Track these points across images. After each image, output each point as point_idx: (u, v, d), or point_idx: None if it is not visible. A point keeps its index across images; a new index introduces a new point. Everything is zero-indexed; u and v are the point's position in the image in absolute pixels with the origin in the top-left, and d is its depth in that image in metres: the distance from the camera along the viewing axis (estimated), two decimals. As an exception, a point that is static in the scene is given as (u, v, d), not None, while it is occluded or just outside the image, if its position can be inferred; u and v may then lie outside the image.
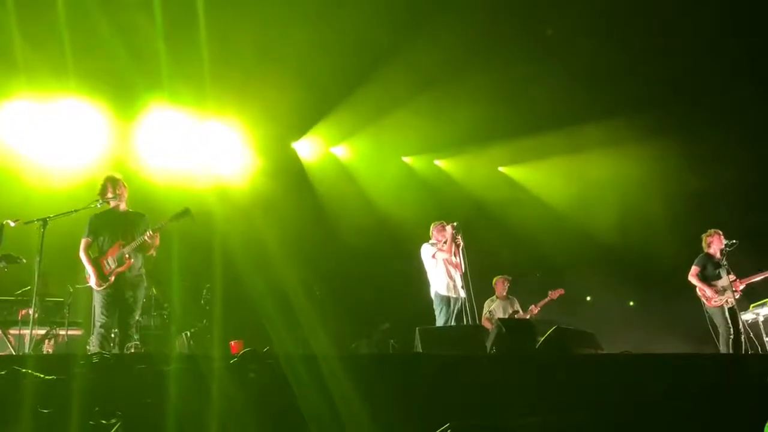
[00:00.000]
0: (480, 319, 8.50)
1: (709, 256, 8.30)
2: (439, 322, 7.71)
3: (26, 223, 6.11)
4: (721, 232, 8.29)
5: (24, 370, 3.61)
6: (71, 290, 7.62)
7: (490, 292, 9.55)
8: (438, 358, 5.51)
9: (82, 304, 7.53)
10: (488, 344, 6.30)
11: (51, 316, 7.76)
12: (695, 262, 8.32)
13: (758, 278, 8.24)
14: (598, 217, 11.54)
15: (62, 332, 7.66)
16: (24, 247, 6.69)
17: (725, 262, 8.09)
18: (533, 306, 9.51)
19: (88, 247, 6.25)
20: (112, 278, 6.09)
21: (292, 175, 11.43)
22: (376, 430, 4.14)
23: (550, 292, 9.57)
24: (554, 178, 12.37)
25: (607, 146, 11.32)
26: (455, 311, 7.71)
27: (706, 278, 8.18)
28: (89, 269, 6.15)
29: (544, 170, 12.59)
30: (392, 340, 9.54)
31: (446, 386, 4.85)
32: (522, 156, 12.42)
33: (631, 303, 12.07)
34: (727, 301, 7.97)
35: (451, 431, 3.58)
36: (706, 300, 8.14)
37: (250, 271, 9.04)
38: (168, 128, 10.24)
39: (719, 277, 8.10)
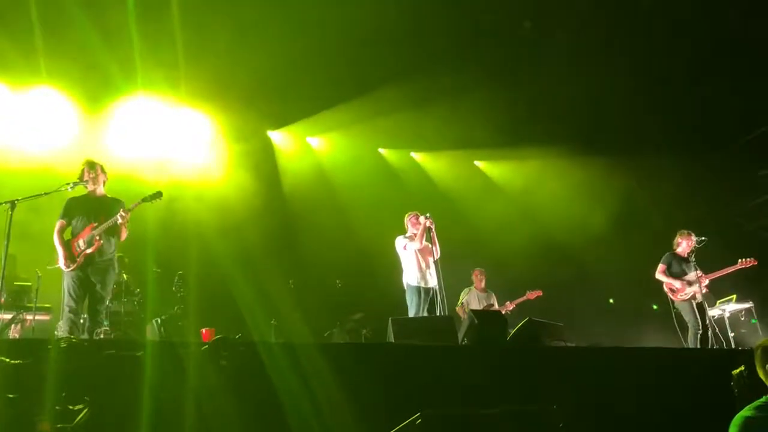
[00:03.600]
0: (449, 310, 8.55)
1: (675, 255, 8.46)
2: (411, 312, 7.73)
3: (-7, 205, 5.99)
4: (691, 233, 8.43)
5: (-10, 354, 3.56)
6: (39, 275, 7.49)
7: (459, 283, 9.62)
8: (410, 348, 5.55)
9: (50, 289, 7.42)
10: (460, 335, 6.35)
11: (18, 301, 7.62)
12: (662, 260, 8.46)
13: (723, 273, 8.40)
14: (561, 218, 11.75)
15: (29, 317, 7.53)
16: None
17: (693, 259, 8.26)
18: (509, 302, 9.60)
19: (62, 230, 6.24)
20: (81, 259, 6.05)
21: (267, 164, 11.38)
22: (347, 419, 4.15)
23: (527, 292, 9.67)
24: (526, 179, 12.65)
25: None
26: (427, 302, 7.74)
27: (672, 275, 8.32)
28: (59, 250, 6.13)
29: (518, 170, 12.83)
30: (365, 330, 9.55)
31: (418, 376, 4.89)
32: (499, 154, 12.67)
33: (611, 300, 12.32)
34: (694, 295, 8.13)
35: (422, 420, 3.60)
36: (673, 293, 8.27)
37: (222, 258, 9.00)
38: (141, 115, 10.15)
39: (685, 274, 8.27)
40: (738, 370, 4.47)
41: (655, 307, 11.13)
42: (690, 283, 8.18)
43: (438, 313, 7.42)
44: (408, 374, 4.89)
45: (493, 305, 9.43)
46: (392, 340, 6.06)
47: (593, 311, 11.20)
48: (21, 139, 9.31)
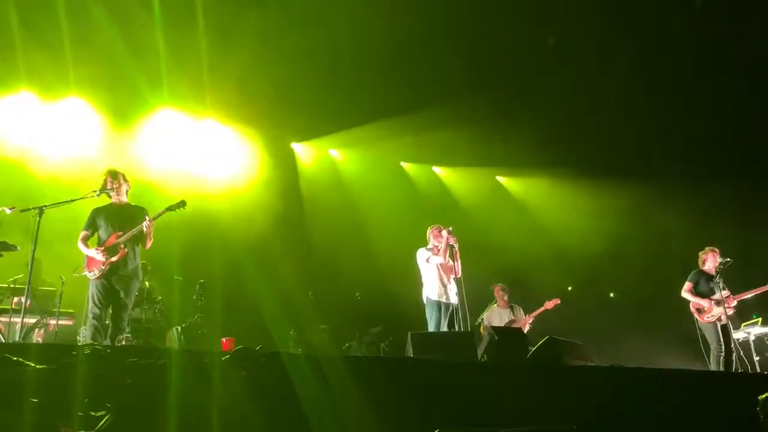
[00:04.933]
0: (470, 326, 8.47)
1: (703, 273, 8.26)
2: (430, 327, 7.69)
3: (22, 211, 6.11)
4: (717, 250, 8.26)
5: (15, 358, 3.60)
6: (63, 280, 7.59)
7: (481, 299, 9.55)
8: (429, 363, 5.51)
9: (74, 295, 7.52)
10: (479, 351, 6.30)
11: (42, 305, 7.73)
12: (689, 278, 8.28)
13: (750, 294, 8.24)
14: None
15: (53, 322, 7.63)
16: (19, 235, 6.70)
17: (719, 279, 8.03)
18: (527, 315, 9.50)
19: (86, 239, 6.39)
20: (105, 267, 6.14)
21: (289, 175, 11.46)
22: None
23: (546, 302, 9.54)
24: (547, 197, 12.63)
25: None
26: (446, 317, 7.70)
27: (699, 294, 8.14)
28: (85, 257, 6.22)
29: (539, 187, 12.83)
30: (383, 344, 9.52)
31: (436, 392, 4.85)
32: (520, 171, 12.71)
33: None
34: (720, 317, 7.94)
35: (441, 437, 3.58)
36: (700, 314, 8.09)
37: (243, 268, 9.06)
38: (167, 126, 10.33)
39: (712, 293, 8.06)
40: (765, 396, 4.39)
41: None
42: (717, 304, 8.00)
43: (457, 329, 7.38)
44: (426, 389, 4.85)
45: (516, 320, 9.32)
46: (411, 354, 6.04)
47: (613, 330, 11.07)
48: (50, 147, 9.49)
